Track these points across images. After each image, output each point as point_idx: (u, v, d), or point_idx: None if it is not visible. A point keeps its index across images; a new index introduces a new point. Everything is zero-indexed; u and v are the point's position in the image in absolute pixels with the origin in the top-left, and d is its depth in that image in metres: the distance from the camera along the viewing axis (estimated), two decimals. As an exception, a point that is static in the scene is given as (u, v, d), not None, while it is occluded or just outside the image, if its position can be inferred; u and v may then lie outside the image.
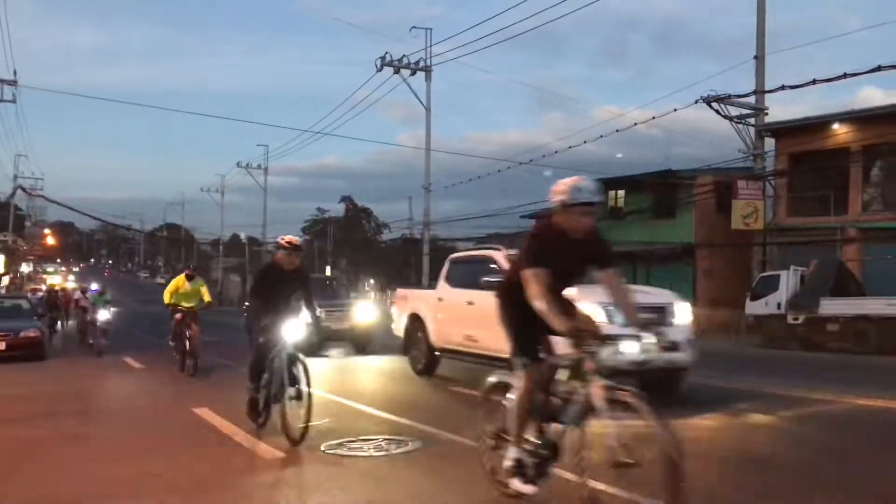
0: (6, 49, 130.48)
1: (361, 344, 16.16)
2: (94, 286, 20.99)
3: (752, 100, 25.45)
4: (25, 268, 65.92)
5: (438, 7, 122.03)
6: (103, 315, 17.09)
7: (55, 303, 23.55)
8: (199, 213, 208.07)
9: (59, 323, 23.65)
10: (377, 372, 12.73)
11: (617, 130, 29.14)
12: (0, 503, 4.73)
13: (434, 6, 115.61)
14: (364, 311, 16.92)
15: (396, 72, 40.53)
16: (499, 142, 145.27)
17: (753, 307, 21.30)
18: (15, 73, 38.43)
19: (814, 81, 22.21)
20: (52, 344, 18.85)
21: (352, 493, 4.89)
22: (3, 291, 36.37)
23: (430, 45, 40.45)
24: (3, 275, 41.96)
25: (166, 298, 12.92)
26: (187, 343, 12.22)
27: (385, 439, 6.50)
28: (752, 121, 25.77)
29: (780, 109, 74.26)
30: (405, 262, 52.17)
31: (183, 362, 12.37)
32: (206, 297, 13.18)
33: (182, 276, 13.20)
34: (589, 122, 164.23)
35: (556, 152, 32.38)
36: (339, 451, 6.07)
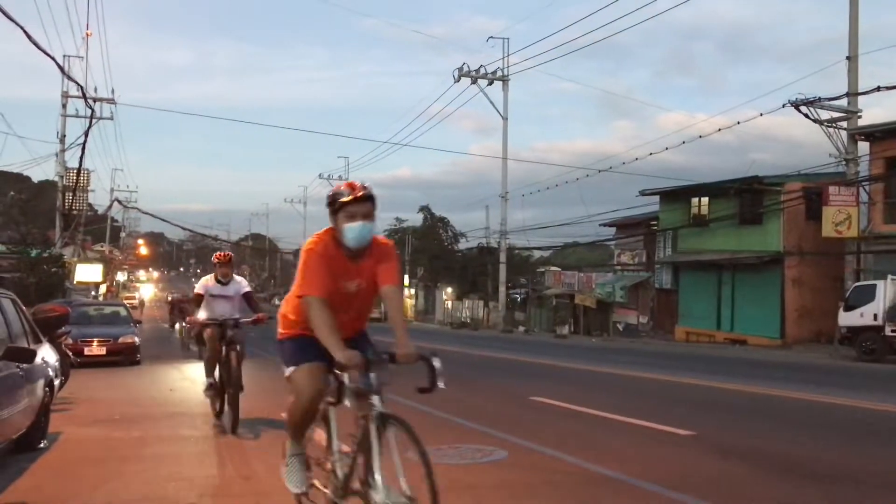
0: (105, 69, 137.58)
1: None
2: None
3: (842, 102, 24.49)
4: (121, 276, 69.19)
5: (502, 21, 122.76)
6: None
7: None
8: (282, 223, 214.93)
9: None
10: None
11: (700, 136, 28.75)
12: (104, 503, 4.98)
13: (497, 19, 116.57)
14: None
15: (474, 82, 40.85)
16: (568, 151, 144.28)
17: (847, 318, 20.41)
18: (113, 91, 40.59)
19: (914, 81, 21.30)
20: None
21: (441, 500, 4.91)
22: (101, 299, 38.31)
23: (508, 55, 40.72)
24: (101, 283, 44.12)
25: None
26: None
27: (469, 448, 6.54)
28: (844, 124, 24.79)
29: (864, 113, 71.09)
30: (481, 271, 52.17)
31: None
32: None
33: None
34: (659, 131, 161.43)
35: (637, 159, 32.17)
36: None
